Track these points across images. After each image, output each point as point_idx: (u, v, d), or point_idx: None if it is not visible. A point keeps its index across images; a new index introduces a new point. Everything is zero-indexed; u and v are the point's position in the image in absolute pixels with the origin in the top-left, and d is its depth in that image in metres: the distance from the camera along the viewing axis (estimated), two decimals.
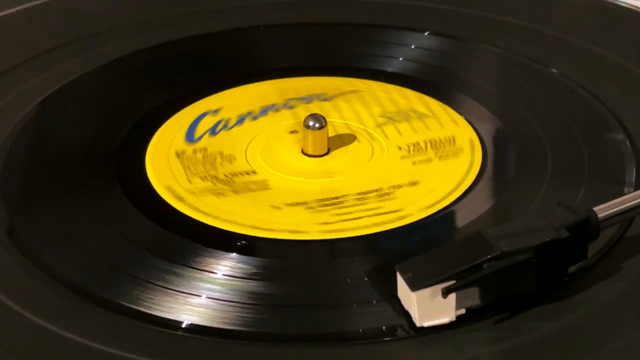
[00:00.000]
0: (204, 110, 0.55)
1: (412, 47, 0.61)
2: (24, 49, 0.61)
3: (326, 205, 0.47)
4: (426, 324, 0.39)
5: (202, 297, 0.41)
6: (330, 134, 0.52)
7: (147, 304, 0.41)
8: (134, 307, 0.40)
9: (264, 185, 0.49)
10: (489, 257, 0.38)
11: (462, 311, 0.39)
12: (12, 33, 0.64)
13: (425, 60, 0.60)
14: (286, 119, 0.54)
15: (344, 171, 0.50)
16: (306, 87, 0.58)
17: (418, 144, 0.52)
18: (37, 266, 0.43)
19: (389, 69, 0.60)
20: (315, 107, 0.55)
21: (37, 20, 0.66)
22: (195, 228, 0.46)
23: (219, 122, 0.53)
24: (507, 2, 0.67)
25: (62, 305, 0.41)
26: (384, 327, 0.39)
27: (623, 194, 0.42)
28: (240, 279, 0.42)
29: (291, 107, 0.55)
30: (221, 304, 0.41)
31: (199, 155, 0.50)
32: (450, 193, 0.47)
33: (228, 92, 0.57)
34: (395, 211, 0.47)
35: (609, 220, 0.41)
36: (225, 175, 0.49)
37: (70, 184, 0.49)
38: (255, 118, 0.54)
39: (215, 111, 0.55)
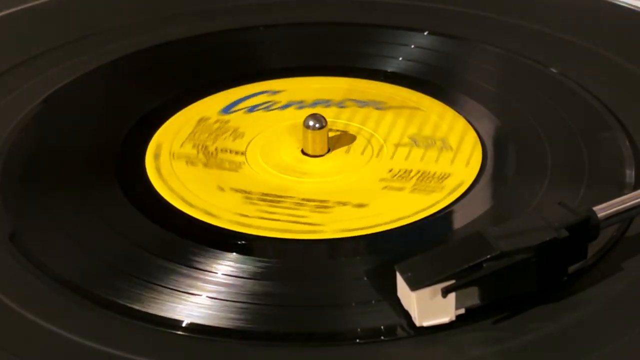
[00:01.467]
0: (265, 89, 0.56)
1: (412, 47, 0.62)
2: (24, 49, 0.61)
3: (264, 200, 0.48)
4: (426, 323, 0.39)
5: (202, 297, 0.41)
6: (344, 139, 0.52)
7: (146, 303, 0.41)
8: (133, 306, 0.40)
9: (236, 167, 0.50)
10: (488, 256, 0.38)
11: (462, 311, 0.39)
12: (12, 33, 0.64)
13: (425, 60, 0.60)
14: (328, 117, 0.53)
15: (317, 176, 0.50)
16: (373, 91, 0.57)
17: (410, 171, 0.50)
18: (37, 266, 0.43)
19: (389, 69, 0.60)
20: (363, 113, 0.55)
21: (37, 20, 0.66)
22: (195, 228, 0.46)
23: (266, 102, 0.54)
24: (507, 2, 0.67)
25: (62, 305, 0.41)
26: (383, 327, 0.39)
27: (623, 194, 0.42)
28: (240, 279, 0.42)
29: (343, 107, 0.55)
30: (221, 304, 0.41)
31: (216, 125, 0.51)
32: (387, 223, 0.46)
33: (296, 80, 0.58)
34: (311, 224, 0.46)
35: (608, 220, 0.41)
36: (215, 149, 0.50)
37: (70, 184, 0.49)
38: (301, 107, 0.54)
39: (276, 92, 0.56)
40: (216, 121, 0.54)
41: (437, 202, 0.47)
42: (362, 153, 0.52)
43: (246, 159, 0.51)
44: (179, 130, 0.53)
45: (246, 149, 0.52)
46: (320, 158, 0.51)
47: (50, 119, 0.55)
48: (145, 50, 0.61)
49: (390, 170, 0.50)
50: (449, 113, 0.55)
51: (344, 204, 0.47)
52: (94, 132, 0.54)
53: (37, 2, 0.67)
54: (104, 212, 0.47)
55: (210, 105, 0.56)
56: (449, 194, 0.47)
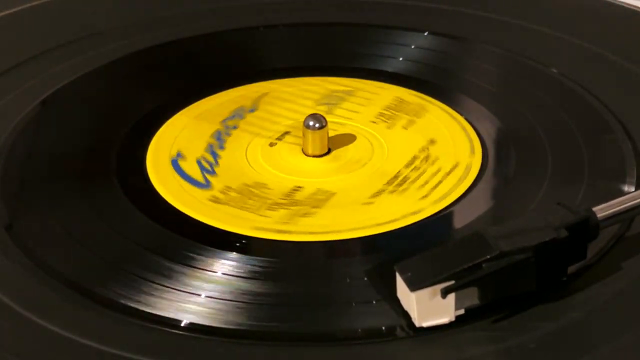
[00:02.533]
0: (170, 146, 0.53)
1: (412, 47, 0.61)
2: (24, 49, 0.61)
3: (399, 184, 0.49)
4: (425, 324, 0.39)
5: (202, 297, 0.41)
6: (345, 139, 0.53)
7: (146, 303, 0.41)
8: (133, 306, 0.40)
9: (326, 193, 0.49)
10: (488, 257, 0.38)
11: (462, 311, 0.39)
12: (12, 33, 0.64)
13: (425, 60, 0.60)
14: (248, 138, 0.53)
15: (367, 158, 0.51)
16: (222, 107, 0.56)
17: (382, 113, 0.52)
18: (37, 266, 0.43)
19: (389, 69, 0.60)
20: (253, 119, 0.55)
21: (37, 20, 0.66)
22: (195, 227, 0.46)
23: (199, 162, 0.51)
24: (507, 2, 0.67)
25: (62, 305, 0.41)
26: (383, 327, 0.39)
27: (623, 194, 0.42)
28: (240, 279, 0.42)
29: (235, 128, 0.54)
30: (221, 304, 0.41)
31: (233, 194, 0.48)
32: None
33: (189, 110, 0.56)
34: (456, 165, 0.48)
35: (608, 220, 0.41)
36: (284, 199, 0.48)
37: (70, 183, 0.49)
38: (221, 148, 0.52)
39: (179, 155, 0.53)
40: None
41: (430, 206, 0.47)
42: (362, 154, 0.52)
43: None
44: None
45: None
46: (319, 158, 0.51)
47: (50, 119, 0.55)
48: (145, 50, 0.61)
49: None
50: (450, 117, 0.55)
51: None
52: (93, 132, 0.54)
53: (37, 2, 0.67)
54: (104, 212, 0.47)
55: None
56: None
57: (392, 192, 0.48)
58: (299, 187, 0.49)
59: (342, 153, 0.52)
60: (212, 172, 0.50)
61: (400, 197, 0.48)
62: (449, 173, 0.49)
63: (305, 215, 0.47)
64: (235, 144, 0.53)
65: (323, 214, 0.47)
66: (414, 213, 0.46)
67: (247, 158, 0.51)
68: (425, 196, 0.48)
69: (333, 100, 0.56)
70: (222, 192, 0.48)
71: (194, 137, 0.53)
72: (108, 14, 0.66)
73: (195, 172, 0.50)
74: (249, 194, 0.48)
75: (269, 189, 0.49)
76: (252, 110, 0.56)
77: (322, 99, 0.56)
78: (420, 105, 0.56)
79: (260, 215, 0.47)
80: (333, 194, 0.48)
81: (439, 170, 0.50)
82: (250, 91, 0.58)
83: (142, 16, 0.66)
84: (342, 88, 0.57)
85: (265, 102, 0.57)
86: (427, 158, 0.50)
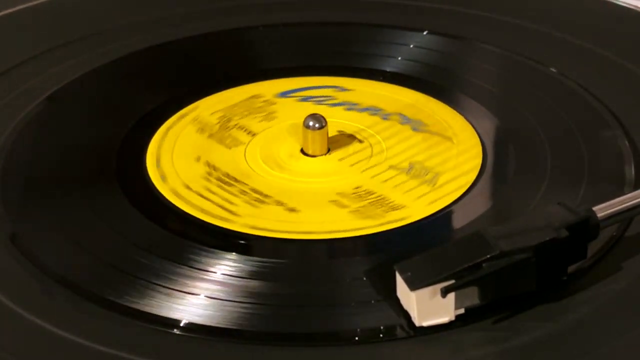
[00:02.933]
0: (334, 84, 0.56)
1: (412, 47, 0.61)
2: (25, 49, 0.61)
3: (219, 180, 0.49)
4: (425, 323, 0.39)
5: (201, 297, 0.41)
6: (345, 142, 0.53)
7: (145, 303, 0.41)
8: (132, 306, 0.40)
9: (233, 145, 0.51)
10: (488, 256, 0.38)
11: (462, 311, 0.39)
12: (13, 33, 0.64)
13: (425, 60, 0.60)
14: (364, 124, 0.54)
15: (358, 164, 0.51)
16: (427, 111, 0.56)
17: (372, 193, 0.50)
18: (37, 266, 0.43)
19: (389, 69, 0.60)
20: (396, 128, 0.54)
21: (37, 20, 0.66)
22: (195, 227, 0.46)
23: (323, 97, 0.54)
24: (507, 2, 0.67)
25: (62, 305, 0.41)
26: (383, 327, 0.39)
27: (623, 194, 0.42)
28: (240, 279, 0.42)
29: (387, 119, 0.54)
30: (221, 304, 0.41)
31: (259, 105, 0.51)
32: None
33: (365, 82, 0.58)
34: (231, 213, 0.47)
35: (608, 220, 0.41)
36: (235, 125, 0.51)
37: (70, 183, 0.49)
38: (349, 109, 0.54)
39: (342, 90, 0.56)
40: (265, 101, 0.56)
41: (436, 203, 0.47)
42: (350, 160, 0.51)
43: (250, 142, 0.52)
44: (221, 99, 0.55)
45: (259, 133, 0.53)
46: (315, 158, 0.51)
47: (50, 119, 0.55)
48: (145, 50, 0.61)
49: (357, 187, 0.49)
50: (449, 116, 0.55)
51: (281, 204, 0.48)
52: (94, 132, 0.54)
53: (37, 2, 0.67)
54: (104, 212, 0.47)
55: (267, 88, 0.58)
56: (383, 224, 0.46)
57: (333, 207, 0.47)
58: (276, 182, 0.50)
59: (338, 156, 0.51)
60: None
61: (339, 213, 0.47)
62: (402, 205, 0.48)
63: (236, 203, 0.47)
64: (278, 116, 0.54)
65: (254, 207, 0.47)
66: (334, 231, 0.46)
67: (251, 141, 0.53)
68: (361, 220, 0.46)
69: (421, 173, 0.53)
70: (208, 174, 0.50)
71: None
72: (108, 14, 0.66)
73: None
74: (226, 182, 0.49)
75: (248, 178, 0.50)
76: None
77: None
78: (425, 108, 0.56)
79: (226, 201, 0.48)
80: (280, 191, 0.49)
81: (396, 200, 0.48)
82: (317, 83, 0.59)
83: (142, 16, 0.66)
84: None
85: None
86: (399, 186, 0.49)
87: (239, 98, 0.57)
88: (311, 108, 0.55)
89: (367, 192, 0.48)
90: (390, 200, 0.48)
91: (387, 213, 0.47)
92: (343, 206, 0.47)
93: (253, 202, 0.48)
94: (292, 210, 0.47)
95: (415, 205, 0.47)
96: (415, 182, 0.49)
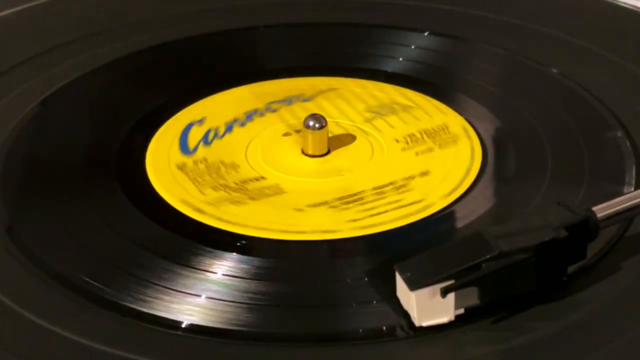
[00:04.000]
0: (189, 121, 0.54)
1: (412, 47, 0.62)
2: (24, 49, 0.61)
3: (347, 202, 0.47)
4: (425, 323, 0.39)
5: (202, 297, 0.41)
6: (345, 139, 0.53)
7: (146, 303, 0.41)
8: (133, 306, 0.40)
9: (278, 190, 0.49)
10: (488, 256, 0.38)
11: (461, 311, 0.39)
12: (12, 33, 0.64)
13: (425, 60, 0.60)
14: (274, 123, 0.54)
15: (351, 169, 0.50)
16: (282, 89, 0.58)
17: (413, 134, 0.52)
18: (37, 266, 0.43)
19: (389, 69, 0.60)
20: (298, 108, 0.55)
21: (37, 20, 0.66)
22: (195, 227, 0.46)
23: (208, 132, 0.53)
24: (507, 2, 0.67)
25: (62, 305, 0.41)
26: (383, 327, 0.39)
27: (623, 194, 0.42)
28: (241, 279, 0.42)
29: (274, 111, 0.55)
30: (221, 304, 0.41)
31: (202, 166, 0.50)
32: (463, 179, 0.48)
33: (207, 101, 0.57)
34: (418, 201, 0.47)
35: (608, 220, 0.41)
36: (236, 184, 0.49)
37: (70, 184, 0.49)
38: (243, 124, 0.54)
39: (201, 121, 0.54)
40: (194, 162, 0.51)
41: (434, 204, 0.47)
42: (356, 138, 0.52)
43: (275, 179, 0.50)
44: (169, 181, 0.50)
45: (258, 172, 0.51)
46: (328, 156, 0.51)
47: (50, 119, 0.55)
48: (145, 50, 0.61)
49: (398, 141, 0.50)
50: (432, 103, 0.55)
51: (411, 177, 0.48)
52: (94, 132, 0.54)
53: (37, 2, 0.67)
54: (104, 212, 0.47)
55: (165, 146, 0.53)
56: (469, 137, 0.48)
57: (333, 207, 0.47)
58: (262, 177, 0.49)
59: (335, 157, 0.51)
60: (208, 143, 0.51)
61: (334, 213, 0.47)
62: (454, 159, 0.49)
63: (235, 203, 0.47)
64: (257, 126, 0.53)
65: (251, 207, 0.47)
66: (436, 202, 0.47)
67: (250, 141, 0.52)
68: (356, 220, 0.46)
69: (385, 110, 0.55)
70: (195, 162, 0.50)
71: (233, 108, 0.54)
72: (108, 14, 0.66)
73: (194, 139, 0.52)
74: (214, 171, 0.49)
75: (236, 172, 0.50)
76: (305, 100, 0.56)
77: (375, 107, 0.56)
78: (401, 97, 0.55)
79: (199, 192, 0.48)
80: (283, 192, 0.48)
81: (444, 159, 0.50)
82: (227, 98, 0.57)
83: (142, 16, 0.66)
84: (404, 102, 0.56)
85: (325, 97, 0.56)
86: (400, 187, 0.49)
87: (239, 100, 0.57)
88: (300, 109, 0.55)
89: (370, 191, 0.48)
90: (394, 199, 0.48)
91: (450, 133, 0.47)
92: (429, 150, 0.48)
93: (254, 201, 0.48)
94: (298, 210, 0.47)
95: (447, 118, 0.48)
96: (416, 182, 0.49)
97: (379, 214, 0.46)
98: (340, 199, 0.48)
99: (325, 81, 0.58)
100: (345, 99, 0.56)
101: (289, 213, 0.47)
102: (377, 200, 0.47)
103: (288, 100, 0.56)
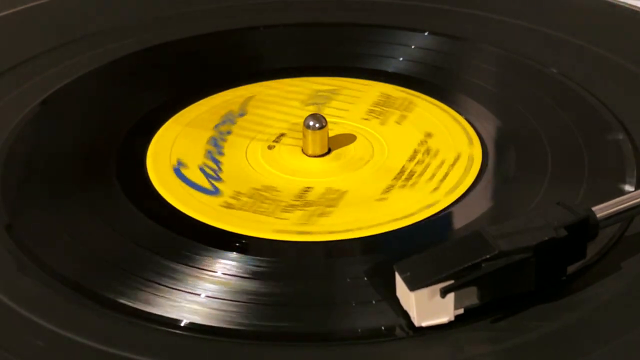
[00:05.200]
0: (170, 154, 0.53)
1: (412, 47, 0.62)
2: (24, 49, 0.61)
3: (407, 179, 0.49)
4: (425, 323, 0.39)
5: (202, 296, 0.41)
6: (345, 139, 0.53)
7: (145, 302, 0.41)
8: (132, 306, 0.40)
9: (337, 192, 0.48)
10: (487, 256, 0.38)
11: (461, 311, 0.39)
12: (12, 33, 0.64)
13: (425, 60, 0.60)
14: (244, 143, 0.53)
15: (369, 156, 0.51)
16: (210, 113, 0.56)
17: (371, 110, 0.53)
18: (37, 266, 0.43)
19: (389, 69, 0.60)
20: (245, 123, 0.55)
21: (37, 20, 0.66)
22: (195, 227, 0.46)
23: (202, 169, 0.51)
24: (507, 2, 0.67)
25: (62, 305, 0.41)
26: (383, 327, 0.39)
27: (623, 194, 0.42)
28: (240, 279, 0.42)
29: (229, 133, 0.54)
30: (221, 304, 0.41)
31: (245, 199, 0.48)
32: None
33: (191, 109, 0.56)
34: (458, 156, 0.49)
35: (607, 220, 0.41)
36: (297, 200, 0.48)
37: (70, 183, 0.49)
38: (220, 154, 0.52)
39: (180, 164, 0.52)
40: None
41: (437, 202, 0.47)
42: (363, 152, 0.52)
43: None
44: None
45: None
46: (318, 158, 0.51)
47: (50, 119, 0.55)
48: (145, 50, 0.61)
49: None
50: (440, 110, 0.55)
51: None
52: (94, 132, 0.54)
53: (37, 2, 0.67)
54: (104, 212, 0.47)
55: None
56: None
57: (402, 186, 0.48)
58: (309, 187, 0.49)
59: (343, 152, 0.52)
60: (218, 179, 0.50)
61: (412, 191, 0.48)
62: (453, 164, 0.50)
63: (322, 215, 0.47)
64: (234, 149, 0.52)
65: (339, 212, 0.47)
66: (429, 206, 0.47)
67: (249, 162, 0.51)
68: (436, 188, 0.48)
69: (320, 100, 0.56)
70: (233, 197, 0.48)
71: (190, 144, 0.53)
72: (108, 14, 0.66)
73: (200, 179, 0.50)
74: (261, 198, 0.48)
75: (278, 191, 0.49)
76: (241, 115, 0.56)
77: (308, 99, 0.56)
78: (408, 100, 0.56)
79: (277, 218, 0.46)
80: (344, 192, 0.48)
81: (443, 163, 0.50)
82: (234, 95, 0.57)
83: (142, 16, 0.66)
84: (326, 87, 0.57)
85: (253, 106, 0.56)
86: (428, 151, 0.51)
87: (239, 100, 0.57)
88: (300, 109, 0.55)
89: (410, 165, 0.49)
90: (437, 163, 0.48)
91: (451, 173, 0.48)
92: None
93: (335, 208, 0.47)
94: (380, 200, 0.47)
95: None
96: (420, 179, 0.49)
97: (445, 176, 0.48)
98: (396, 178, 0.49)
99: (325, 81, 0.58)
100: (275, 102, 0.56)
101: (376, 205, 0.47)
102: (426, 167, 0.49)
103: (229, 120, 0.55)
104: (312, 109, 0.55)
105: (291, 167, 0.51)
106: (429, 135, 0.52)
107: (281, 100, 0.57)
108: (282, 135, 0.53)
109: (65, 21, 0.65)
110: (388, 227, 0.46)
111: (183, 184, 0.49)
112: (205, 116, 0.55)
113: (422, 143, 0.52)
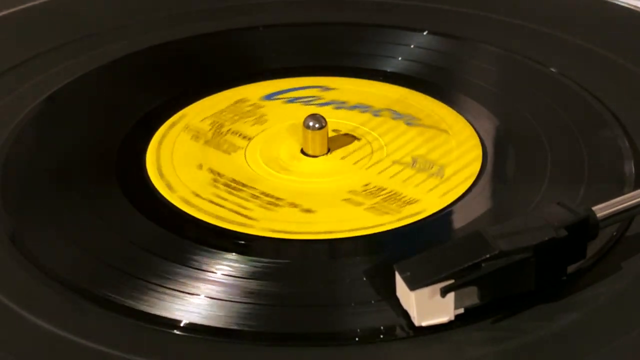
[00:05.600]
0: (318, 84, 0.56)
1: (412, 47, 0.62)
2: (24, 49, 0.61)
3: (227, 186, 0.49)
4: (425, 323, 0.39)
5: (201, 297, 0.41)
6: (345, 141, 0.53)
7: (145, 303, 0.41)
8: (132, 306, 0.40)
9: (231, 150, 0.51)
10: (487, 256, 0.38)
11: (461, 310, 0.39)
12: (12, 33, 0.64)
13: (425, 60, 0.60)
14: (356, 121, 0.54)
15: (363, 163, 0.51)
16: (417, 106, 0.56)
17: (383, 189, 0.50)
18: (37, 266, 0.43)
19: (389, 69, 0.60)
20: (390, 124, 0.54)
21: (37, 20, 0.66)
22: (195, 227, 0.46)
23: (310, 97, 0.54)
24: (507, 2, 0.67)
25: (62, 305, 0.41)
26: (383, 327, 0.39)
27: (622, 194, 0.42)
28: (240, 279, 0.42)
29: (377, 116, 0.55)
30: (221, 304, 0.41)
31: (248, 108, 0.51)
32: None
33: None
34: (247, 217, 0.47)
35: (607, 220, 0.41)
36: (228, 130, 0.51)
37: (70, 184, 0.49)
38: (338, 108, 0.54)
39: (327, 89, 0.55)
40: (252, 104, 0.55)
41: (388, 223, 0.46)
42: (352, 158, 0.51)
43: (247, 145, 0.52)
44: (206, 106, 0.54)
45: (254, 136, 0.52)
46: (328, 155, 0.52)
47: (50, 119, 0.55)
48: (145, 50, 0.61)
49: (366, 184, 0.49)
50: (462, 127, 0.54)
51: (296, 205, 0.47)
52: (94, 132, 0.54)
53: (37, 2, 0.67)
54: (104, 212, 0.47)
55: (251, 91, 0.57)
56: (401, 219, 0.46)
57: (348, 205, 0.47)
58: (287, 183, 0.49)
59: (339, 155, 0.51)
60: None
61: (354, 211, 0.47)
62: (416, 199, 0.48)
63: (250, 208, 0.47)
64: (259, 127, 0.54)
65: (269, 210, 0.47)
66: (372, 227, 0.46)
67: (245, 150, 0.52)
68: (376, 216, 0.46)
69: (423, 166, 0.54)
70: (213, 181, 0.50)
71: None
72: (108, 14, 0.66)
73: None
74: (234, 187, 0.49)
75: (255, 183, 0.49)
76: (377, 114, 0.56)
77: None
78: (425, 109, 0.56)
79: (239, 206, 0.47)
80: (292, 193, 0.48)
81: (408, 195, 0.48)
82: (301, 83, 0.58)
83: (142, 16, 0.66)
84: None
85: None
86: (409, 180, 0.49)
87: (227, 102, 0.56)
88: (300, 109, 0.55)
89: (378, 189, 0.49)
90: (403, 195, 0.48)
91: (402, 208, 0.47)
92: (357, 204, 0.47)
93: (266, 205, 0.47)
94: (307, 211, 0.47)
95: (428, 198, 0.47)
96: (422, 176, 0.49)
97: (410, 202, 0.47)
98: (364, 191, 0.48)
99: (325, 81, 0.58)
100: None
101: (358, 210, 0.47)
102: (397, 191, 0.48)
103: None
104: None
105: (280, 163, 0.51)
106: (425, 131, 0.52)
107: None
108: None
109: (65, 21, 0.65)
110: (387, 227, 0.46)
111: (182, 182, 0.49)
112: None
113: (418, 140, 0.52)
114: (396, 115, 0.55)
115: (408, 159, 0.51)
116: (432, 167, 0.50)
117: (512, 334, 0.39)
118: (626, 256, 0.43)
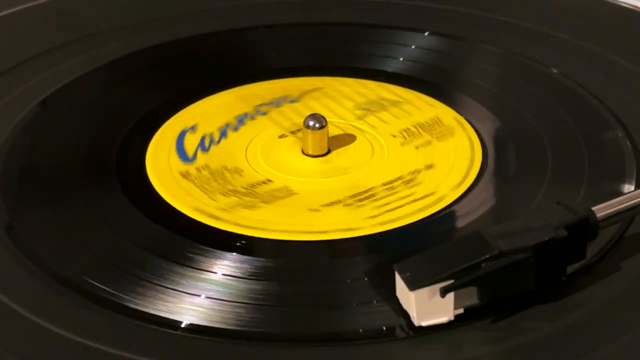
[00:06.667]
0: (181, 129, 0.54)
1: (412, 47, 0.62)
2: (24, 49, 0.61)
3: (361, 200, 0.47)
4: (424, 323, 0.39)
5: (202, 297, 0.41)
6: (345, 139, 0.53)
7: (146, 303, 0.41)
8: (133, 306, 0.40)
9: (288, 192, 0.48)
10: (487, 256, 0.38)
11: (461, 311, 0.39)
12: (12, 33, 0.64)
13: (425, 60, 0.60)
14: (267, 126, 0.54)
15: (356, 166, 0.50)
16: (267, 91, 0.57)
17: (409, 129, 0.52)
18: (37, 266, 0.43)
19: (389, 69, 0.60)
20: (287, 110, 0.55)
21: (37, 20, 0.66)
22: (195, 227, 0.46)
23: (203, 138, 0.53)
24: (507, 2, 0.67)
25: (62, 305, 0.41)
26: (383, 327, 0.39)
27: (623, 194, 0.42)
28: (240, 279, 0.42)
29: (264, 114, 0.55)
30: (221, 304, 0.41)
31: (205, 173, 0.50)
32: (468, 170, 0.48)
33: (195, 106, 0.56)
34: (431, 194, 0.47)
35: (607, 220, 0.41)
36: (245, 188, 0.49)
37: (70, 183, 0.49)
38: (236, 129, 0.54)
39: (193, 127, 0.54)
40: (197, 169, 0.51)
41: (431, 205, 0.47)
42: (355, 161, 0.51)
43: (282, 181, 0.50)
44: (177, 190, 0.49)
45: (264, 175, 0.51)
46: (329, 155, 0.52)
47: (50, 119, 0.55)
48: (145, 50, 0.61)
49: (395, 136, 0.50)
50: (420, 97, 0.55)
51: (417, 171, 0.48)
52: (93, 132, 0.54)
53: (37, 2, 0.67)
54: (104, 212, 0.47)
55: (163, 155, 0.52)
56: (463, 129, 0.47)
57: (347, 205, 0.47)
58: (269, 180, 0.49)
59: (337, 156, 0.51)
60: (206, 150, 0.51)
61: (351, 211, 0.47)
62: (455, 151, 0.49)
63: (249, 207, 0.47)
64: (251, 129, 0.53)
65: (266, 210, 0.47)
66: (449, 193, 0.47)
67: (247, 145, 0.52)
68: (374, 216, 0.46)
69: (374, 107, 0.55)
70: (198, 169, 0.50)
71: (221, 113, 0.54)
72: (107, 14, 0.66)
73: (191, 146, 0.51)
74: (219, 177, 0.49)
75: (241, 176, 0.49)
76: (293, 101, 0.56)
77: (364, 104, 0.56)
78: (388, 93, 0.56)
79: (210, 198, 0.47)
80: (294, 194, 0.48)
81: (444, 150, 0.50)
82: (305, 83, 0.58)
83: (142, 16, 0.66)
84: (392, 97, 0.56)
85: (311, 97, 0.56)
86: (409, 181, 0.49)
87: (227, 102, 0.56)
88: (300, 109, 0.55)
89: (378, 189, 0.48)
90: (406, 194, 0.48)
91: (402, 208, 0.47)
92: (428, 143, 0.47)
93: (266, 205, 0.47)
94: (313, 210, 0.47)
95: (436, 111, 0.48)
96: (423, 176, 0.49)
97: (395, 208, 0.46)
98: (352, 196, 0.48)
99: (325, 81, 0.58)
100: (333, 98, 0.56)
101: (305, 214, 0.47)
102: (389, 195, 0.48)
103: (276, 103, 0.56)
104: (359, 114, 0.55)
105: (275, 160, 0.51)
106: (430, 165, 0.51)
107: (341, 98, 0.56)
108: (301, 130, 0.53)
109: (65, 21, 0.65)
110: (388, 227, 0.46)
111: (172, 152, 0.50)
112: (260, 93, 0.57)
113: (414, 172, 0.50)
114: (396, 115, 0.55)
115: (408, 159, 0.51)
116: (432, 167, 0.50)
117: (511, 334, 0.39)
118: (626, 256, 0.43)
